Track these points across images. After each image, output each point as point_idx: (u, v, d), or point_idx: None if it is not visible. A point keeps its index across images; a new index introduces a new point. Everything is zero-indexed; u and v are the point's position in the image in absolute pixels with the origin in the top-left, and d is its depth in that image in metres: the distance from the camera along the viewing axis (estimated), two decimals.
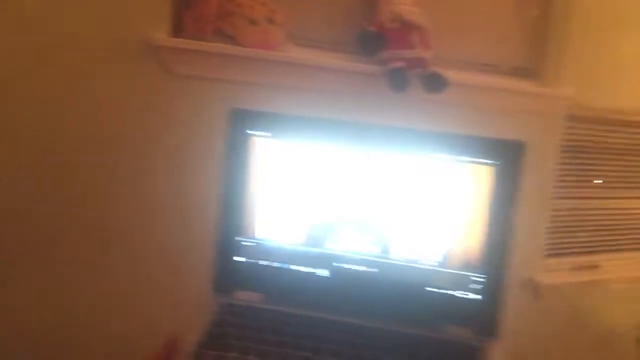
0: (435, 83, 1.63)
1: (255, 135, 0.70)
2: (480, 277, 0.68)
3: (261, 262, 0.72)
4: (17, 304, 1.45)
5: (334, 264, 0.70)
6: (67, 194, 1.43)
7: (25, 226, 1.41)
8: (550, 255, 2.19)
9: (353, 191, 0.69)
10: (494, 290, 0.68)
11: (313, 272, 0.71)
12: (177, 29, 1.42)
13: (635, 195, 2.36)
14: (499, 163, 0.67)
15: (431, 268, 0.68)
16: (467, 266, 0.68)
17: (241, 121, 0.70)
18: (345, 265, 0.70)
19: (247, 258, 0.71)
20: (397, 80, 1.59)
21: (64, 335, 1.48)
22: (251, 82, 1.47)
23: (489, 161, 0.67)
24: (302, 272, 0.71)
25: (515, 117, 1.83)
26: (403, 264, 0.69)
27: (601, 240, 2.33)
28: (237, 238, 0.72)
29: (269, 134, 0.70)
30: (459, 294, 0.69)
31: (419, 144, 0.68)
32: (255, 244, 0.72)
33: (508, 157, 0.67)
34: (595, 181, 2.27)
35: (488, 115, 1.75)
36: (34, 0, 1.31)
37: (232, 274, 0.71)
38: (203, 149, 1.34)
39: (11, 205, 1.40)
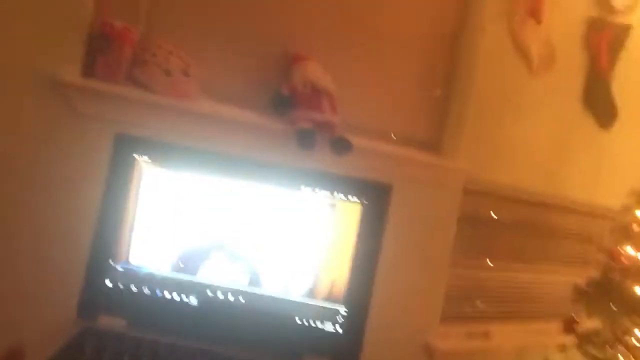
0: (340, 146, 1.72)
1: (138, 161, 0.73)
2: (344, 311, 0.72)
3: (130, 288, 0.72)
4: None
5: (204, 292, 0.72)
6: None
7: None
8: (445, 321, 2.27)
9: (228, 222, 0.73)
10: (355, 324, 0.72)
11: (182, 300, 0.72)
12: (88, 70, 1.44)
13: (523, 267, 2.53)
14: (367, 202, 0.73)
15: (297, 300, 0.72)
16: (332, 300, 0.72)
17: (126, 146, 0.73)
18: (215, 294, 0.72)
19: (117, 283, 0.72)
20: (305, 140, 1.67)
21: None
22: (156, 128, 1.49)
23: (357, 200, 0.73)
24: (171, 299, 0.72)
25: (414, 185, 1.94)
26: (270, 295, 0.72)
27: (493, 310, 2.46)
28: (109, 262, 0.72)
29: (152, 161, 0.73)
30: (322, 326, 0.72)
31: (293, 180, 0.73)
32: (126, 268, 0.73)
33: (375, 196, 0.73)
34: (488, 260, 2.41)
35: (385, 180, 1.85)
36: None
37: (99, 298, 0.71)
38: (84, 173, 1.32)
39: None
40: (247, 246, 0.72)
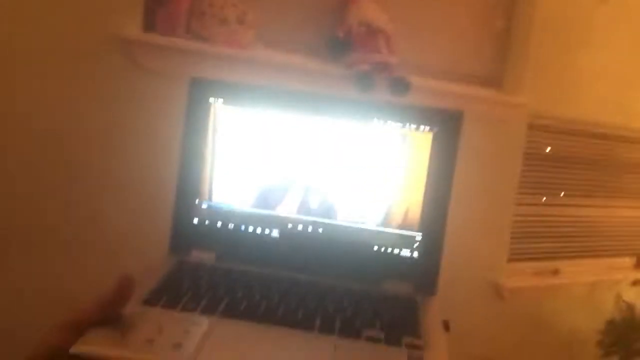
0: (399, 86, 1.70)
1: (214, 103, 0.75)
2: (419, 237, 0.73)
3: (216, 224, 0.76)
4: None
5: (284, 225, 0.74)
6: (39, 172, 1.47)
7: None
8: (513, 260, 2.26)
9: (302, 157, 0.74)
10: (431, 249, 0.73)
11: (264, 233, 0.75)
12: (149, 25, 1.47)
13: (592, 203, 2.45)
14: (438, 130, 0.72)
15: (373, 228, 0.73)
16: (407, 226, 0.73)
17: (201, 90, 0.75)
18: (294, 226, 0.75)
19: (203, 220, 0.75)
20: (363, 82, 1.66)
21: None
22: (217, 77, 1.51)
23: (428, 128, 0.72)
24: (254, 232, 0.75)
25: (477, 121, 1.90)
26: (346, 224, 0.74)
27: (562, 247, 2.41)
28: (195, 201, 0.76)
29: (227, 102, 0.75)
30: (399, 252, 0.74)
31: (364, 113, 0.73)
32: (211, 206, 0.76)
33: (446, 124, 0.73)
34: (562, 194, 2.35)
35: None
36: None
37: (188, 234, 0.75)
38: (163, 119, 1.38)
39: None
40: (322, 180, 0.73)
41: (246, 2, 1.58)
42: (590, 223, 2.47)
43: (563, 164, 2.34)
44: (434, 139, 0.70)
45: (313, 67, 1.65)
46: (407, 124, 0.71)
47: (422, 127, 0.71)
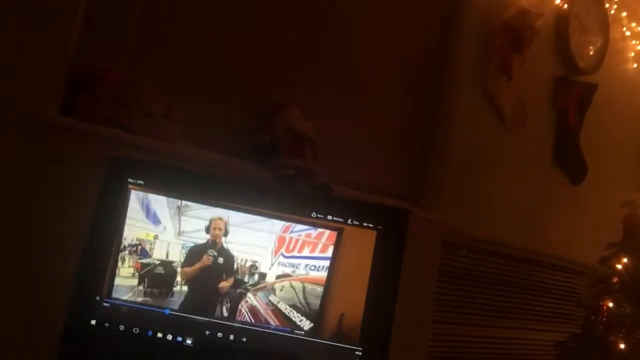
0: (322, 193, 1.69)
1: (130, 184, 0.67)
2: (359, 352, 0.64)
3: (118, 326, 0.64)
4: None
5: (200, 331, 0.64)
6: None
7: None
8: None
9: (226, 250, 0.67)
10: None
11: (175, 340, 0.64)
12: (68, 110, 1.39)
13: (507, 324, 2.48)
14: (383, 228, 0.68)
15: (304, 338, 0.64)
16: (344, 337, 0.64)
17: (120, 169, 0.68)
18: (212, 333, 0.64)
19: (102, 321, 0.63)
20: (287, 186, 1.64)
21: None
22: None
23: (372, 225, 0.68)
24: (164, 339, 0.64)
25: None
26: (273, 332, 0.64)
27: None
28: (95, 298, 0.64)
29: (147, 185, 0.68)
30: None
31: (301, 204, 0.69)
32: (113, 305, 0.65)
33: (392, 222, 0.69)
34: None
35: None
36: None
37: (84, 339, 0.62)
38: (70, 206, 1.22)
39: None
40: (247, 279, 0.66)
41: (172, 98, 1.55)
42: (504, 345, 2.47)
43: (477, 283, 2.38)
44: (378, 238, 0.65)
45: (237, 167, 1.62)
46: (349, 220, 0.66)
47: (365, 224, 0.66)
